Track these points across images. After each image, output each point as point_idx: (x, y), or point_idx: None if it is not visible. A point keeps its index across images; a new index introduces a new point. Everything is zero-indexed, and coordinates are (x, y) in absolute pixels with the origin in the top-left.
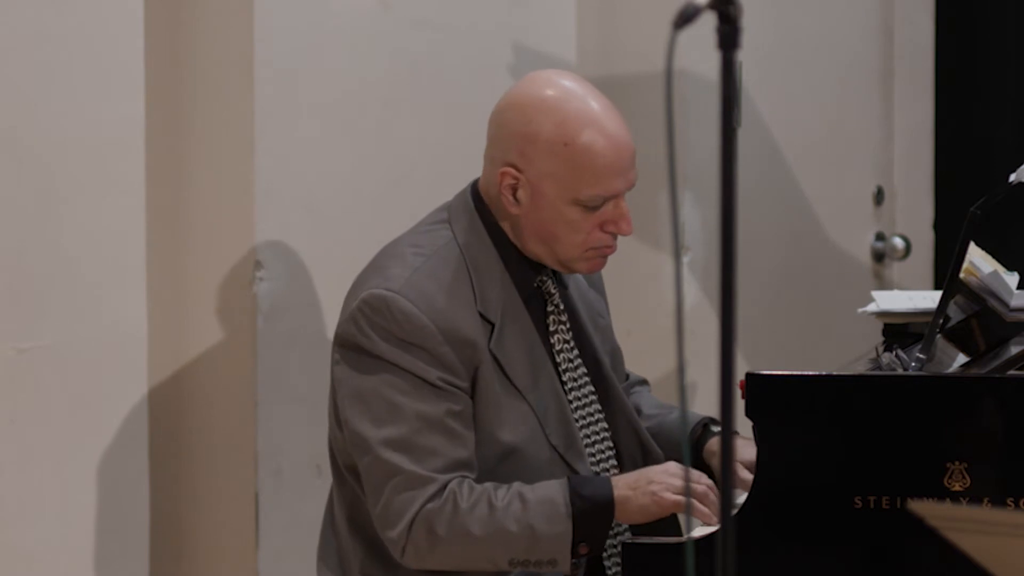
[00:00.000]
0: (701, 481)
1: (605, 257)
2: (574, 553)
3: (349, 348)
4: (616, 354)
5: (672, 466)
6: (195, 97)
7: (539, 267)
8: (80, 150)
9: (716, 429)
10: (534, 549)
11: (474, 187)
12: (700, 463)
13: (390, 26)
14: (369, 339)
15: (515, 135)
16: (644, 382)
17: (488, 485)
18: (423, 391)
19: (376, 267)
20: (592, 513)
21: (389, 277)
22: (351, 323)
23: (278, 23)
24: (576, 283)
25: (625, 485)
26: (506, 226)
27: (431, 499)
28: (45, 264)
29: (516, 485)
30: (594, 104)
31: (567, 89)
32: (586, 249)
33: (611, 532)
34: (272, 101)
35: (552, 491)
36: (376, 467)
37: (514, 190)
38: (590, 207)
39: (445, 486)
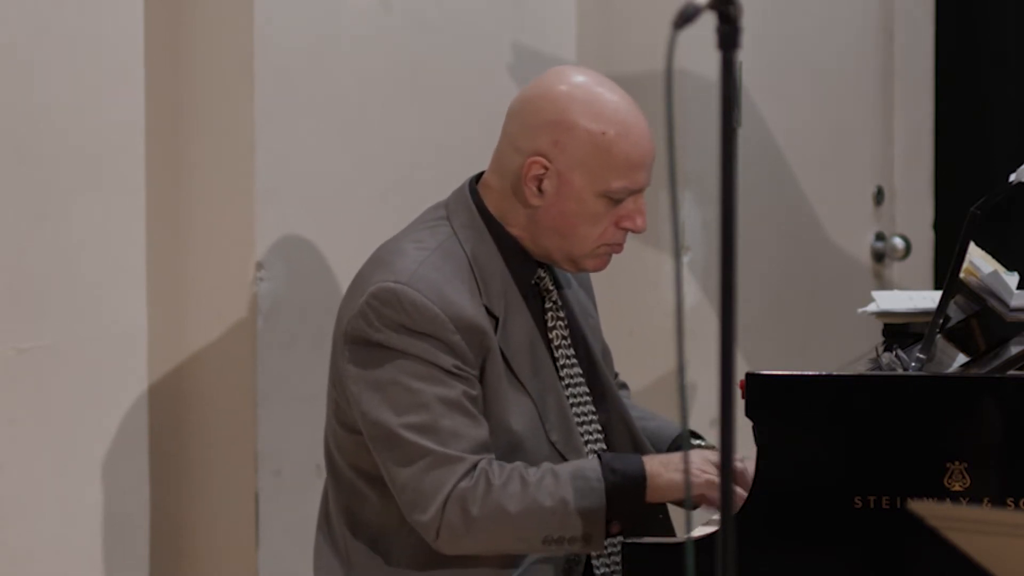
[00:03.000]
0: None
1: (611, 256)
2: (606, 531)
3: (359, 343)
4: (606, 354)
5: (706, 452)
6: (195, 97)
7: (537, 263)
8: (80, 150)
9: (694, 442)
10: (568, 525)
11: (471, 184)
12: None
13: (390, 26)
14: (380, 332)
15: (549, 124)
16: (624, 386)
17: (518, 464)
18: (439, 376)
19: (379, 262)
20: (624, 487)
21: (395, 270)
22: (360, 318)
23: (278, 23)
24: (569, 282)
25: (657, 462)
26: (514, 220)
27: (463, 478)
28: (45, 264)
29: (546, 463)
30: (621, 98)
31: (597, 82)
32: (599, 245)
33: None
34: (272, 101)
35: (584, 466)
36: (402, 452)
37: (539, 181)
38: (615, 200)
39: (475, 466)
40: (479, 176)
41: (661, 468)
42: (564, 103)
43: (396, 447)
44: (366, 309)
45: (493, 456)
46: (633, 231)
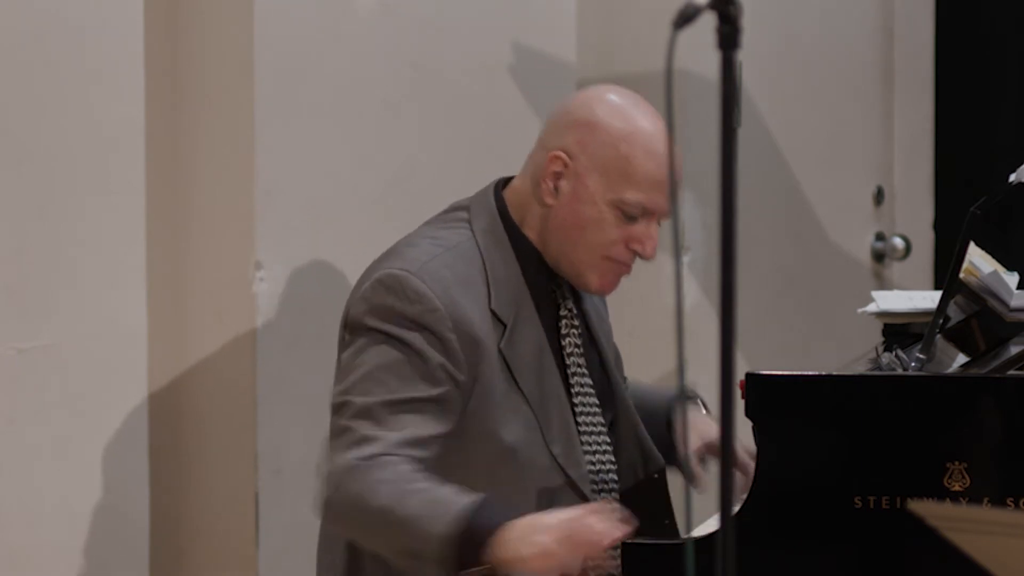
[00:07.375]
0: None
1: (618, 277)
2: (464, 565)
3: (357, 328)
4: (617, 358)
5: (592, 520)
6: (195, 97)
7: (555, 276)
8: (80, 150)
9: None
10: (417, 540)
11: (496, 188)
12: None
13: (390, 26)
14: (376, 316)
15: (578, 122)
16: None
17: (421, 471)
18: (418, 372)
19: (393, 253)
20: (471, 535)
21: (406, 259)
22: (363, 302)
23: (278, 23)
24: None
25: (520, 525)
26: (530, 221)
27: (361, 460)
28: (45, 264)
29: (447, 484)
30: (653, 121)
31: (633, 102)
32: (604, 256)
33: None
34: (272, 101)
35: (461, 497)
36: (338, 428)
37: (558, 178)
38: (627, 215)
39: (382, 454)
40: (506, 181)
41: (512, 534)
42: (596, 107)
43: (338, 424)
44: (369, 293)
45: (418, 455)
46: (641, 256)
